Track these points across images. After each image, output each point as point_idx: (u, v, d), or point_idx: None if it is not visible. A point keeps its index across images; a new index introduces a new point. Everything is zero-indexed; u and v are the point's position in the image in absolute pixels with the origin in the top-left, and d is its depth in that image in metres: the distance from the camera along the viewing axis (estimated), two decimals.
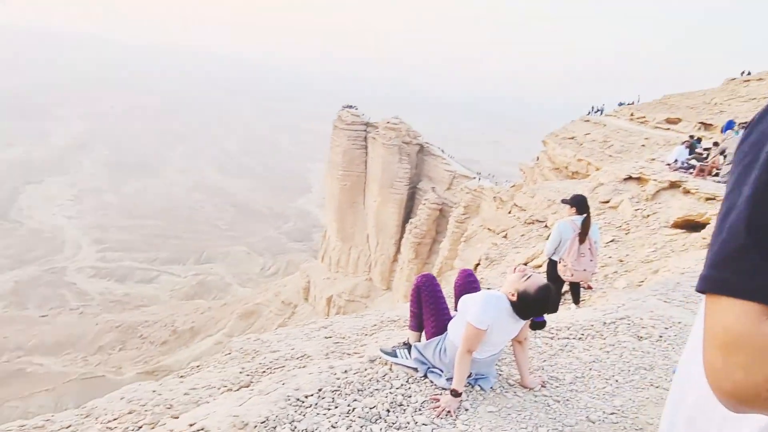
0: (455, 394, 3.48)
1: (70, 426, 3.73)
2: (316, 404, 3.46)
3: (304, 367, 4.62)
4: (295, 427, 3.20)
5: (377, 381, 3.84)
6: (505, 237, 15.58)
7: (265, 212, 53.70)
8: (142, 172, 53.87)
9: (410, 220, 46.18)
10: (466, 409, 3.59)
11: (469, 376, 3.75)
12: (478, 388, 3.81)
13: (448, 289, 5.20)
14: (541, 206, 16.36)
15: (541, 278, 3.56)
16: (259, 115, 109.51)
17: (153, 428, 3.24)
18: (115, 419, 3.47)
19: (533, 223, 15.10)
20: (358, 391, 3.68)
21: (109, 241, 38.97)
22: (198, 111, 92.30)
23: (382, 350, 4.11)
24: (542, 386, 3.78)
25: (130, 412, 3.53)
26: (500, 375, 4.06)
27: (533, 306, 3.45)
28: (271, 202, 59.33)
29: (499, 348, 3.72)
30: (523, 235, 14.34)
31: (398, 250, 47.69)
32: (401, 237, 47.46)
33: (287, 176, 70.32)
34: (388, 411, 3.51)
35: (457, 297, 3.88)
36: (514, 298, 3.47)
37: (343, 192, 50.25)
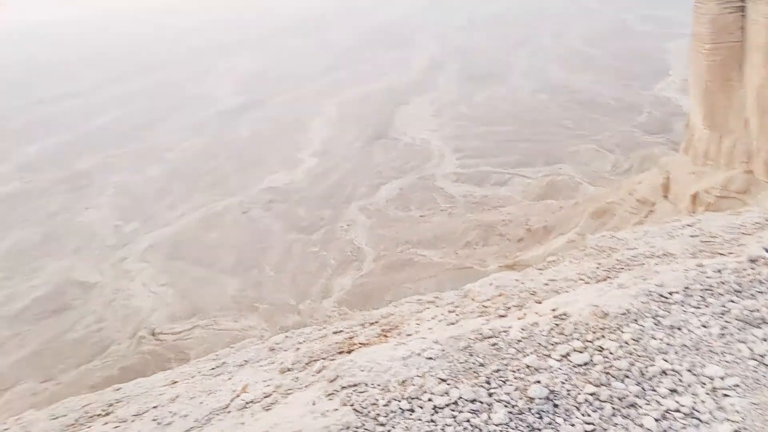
0: None
1: (453, 302, 4.53)
2: (683, 302, 3.28)
3: (666, 265, 4.39)
4: (659, 322, 3.13)
5: (760, 283, 3.37)
6: None
7: (614, 105, 49.83)
8: (489, 81, 56.24)
9: None
10: None
11: None
12: None
13: None
14: None
15: None
16: None
17: (520, 309, 3.66)
18: (488, 300, 4.05)
19: None
20: (735, 291, 3.31)
21: (466, 149, 42.91)
22: (537, 12, 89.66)
23: (767, 249, 3.56)
24: None
25: (499, 295, 4.05)
26: None
27: None
28: (620, 93, 54.55)
29: None
30: None
31: None
32: None
33: (639, 61, 62.93)
34: None
35: None
36: None
37: (711, 69, 41.93)
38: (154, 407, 3.87)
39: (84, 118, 56.63)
